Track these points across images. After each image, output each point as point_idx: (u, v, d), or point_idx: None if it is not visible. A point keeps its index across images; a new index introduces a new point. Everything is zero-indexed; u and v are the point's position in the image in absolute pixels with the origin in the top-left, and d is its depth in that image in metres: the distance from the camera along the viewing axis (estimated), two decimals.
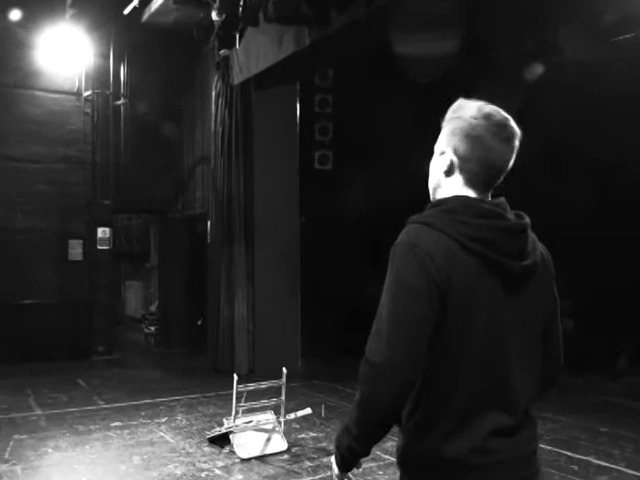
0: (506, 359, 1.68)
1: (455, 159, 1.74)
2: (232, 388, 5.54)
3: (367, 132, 9.76)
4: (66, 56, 10.08)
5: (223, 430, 5.72)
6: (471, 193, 1.74)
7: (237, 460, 5.46)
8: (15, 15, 9.59)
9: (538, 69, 7.71)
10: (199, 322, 10.94)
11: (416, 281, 1.59)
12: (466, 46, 7.52)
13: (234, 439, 5.63)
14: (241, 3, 7.47)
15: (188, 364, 10.23)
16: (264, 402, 5.84)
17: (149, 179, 10.93)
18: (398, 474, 1.78)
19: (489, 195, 1.78)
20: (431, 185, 1.83)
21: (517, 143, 1.73)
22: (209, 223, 10.07)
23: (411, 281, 1.60)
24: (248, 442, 5.65)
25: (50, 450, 5.73)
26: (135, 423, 6.63)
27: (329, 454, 5.33)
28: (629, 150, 7.66)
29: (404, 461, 1.73)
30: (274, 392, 5.98)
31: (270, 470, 5.28)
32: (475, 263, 1.64)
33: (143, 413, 7.02)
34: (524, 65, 7.80)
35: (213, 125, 9.73)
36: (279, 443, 5.75)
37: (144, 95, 10.84)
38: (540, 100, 7.69)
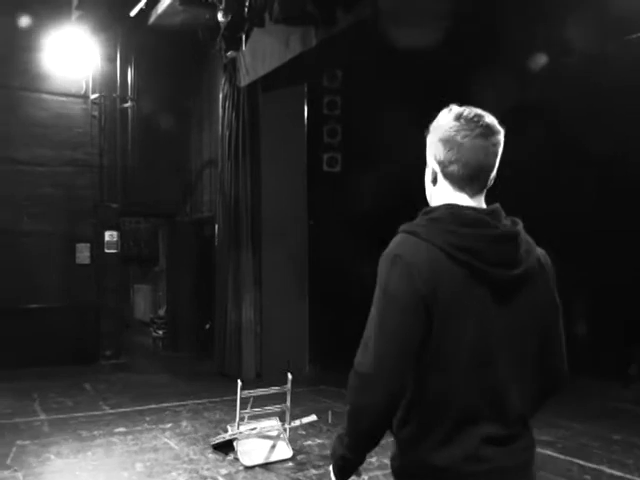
0: (497, 369, 1.66)
1: (437, 166, 1.75)
2: (244, 391, 5.46)
3: (376, 134, 9.65)
4: (73, 59, 10.05)
5: (227, 437, 5.62)
6: (462, 198, 1.72)
7: (241, 468, 5.37)
8: (21, 18, 9.55)
9: (543, 60, 7.62)
10: (207, 326, 10.86)
11: (401, 292, 1.60)
12: (476, 43, 7.45)
13: (238, 446, 5.53)
14: (246, 4, 7.39)
15: (195, 368, 10.15)
16: (268, 409, 5.72)
17: (157, 182, 10.86)
18: None
19: (482, 198, 1.75)
20: (427, 196, 1.85)
21: (498, 139, 1.70)
22: (217, 226, 10.00)
23: (396, 292, 1.60)
24: (252, 449, 5.55)
25: (52, 456, 5.65)
26: (139, 429, 6.55)
27: None
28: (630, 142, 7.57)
29: (397, 470, 1.73)
30: (280, 398, 5.87)
31: (274, 478, 5.19)
32: (461, 273, 1.62)
33: (148, 418, 6.93)
34: (530, 57, 7.72)
35: (220, 127, 9.67)
36: (284, 450, 5.64)
37: (151, 98, 10.79)
38: (544, 92, 7.63)
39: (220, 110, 9.65)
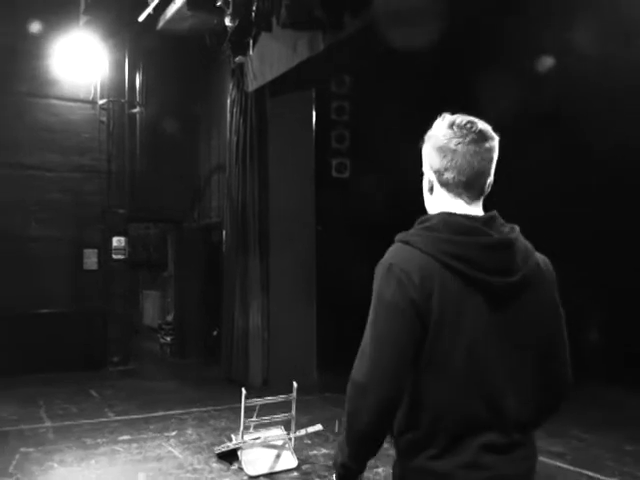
0: (494, 377, 1.66)
1: (432, 175, 1.77)
2: (248, 400, 5.39)
3: (385, 140, 9.58)
4: (81, 64, 10.03)
5: (231, 446, 5.55)
6: (459, 204, 1.74)
7: (245, 477, 5.30)
8: (29, 24, 9.55)
9: (551, 62, 7.56)
10: (215, 332, 10.80)
11: (394, 301, 1.61)
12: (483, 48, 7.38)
13: (242, 455, 5.46)
14: (254, 8, 7.34)
15: (203, 375, 10.09)
16: (273, 417, 5.64)
17: (165, 188, 10.83)
18: None
19: (480, 205, 1.76)
20: (426, 206, 1.88)
21: (492, 144, 1.72)
22: (224, 232, 9.96)
23: (390, 301, 1.62)
24: (257, 459, 5.47)
25: (55, 465, 5.61)
26: (144, 437, 6.49)
27: None
28: None
29: (398, 477, 1.75)
30: (286, 406, 5.78)
31: None
32: (456, 281, 1.63)
33: (152, 426, 6.87)
34: (539, 59, 7.67)
35: (228, 133, 9.63)
36: (289, 460, 5.56)
37: (159, 103, 10.76)
38: (553, 94, 7.57)
39: (228, 115, 9.61)
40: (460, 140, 1.68)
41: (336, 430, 6.53)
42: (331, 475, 5.35)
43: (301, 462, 5.62)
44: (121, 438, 6.41)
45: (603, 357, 8.18)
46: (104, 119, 10.54)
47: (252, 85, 8.88)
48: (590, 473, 5.32)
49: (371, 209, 9.17)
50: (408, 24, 6.07)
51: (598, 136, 7.26)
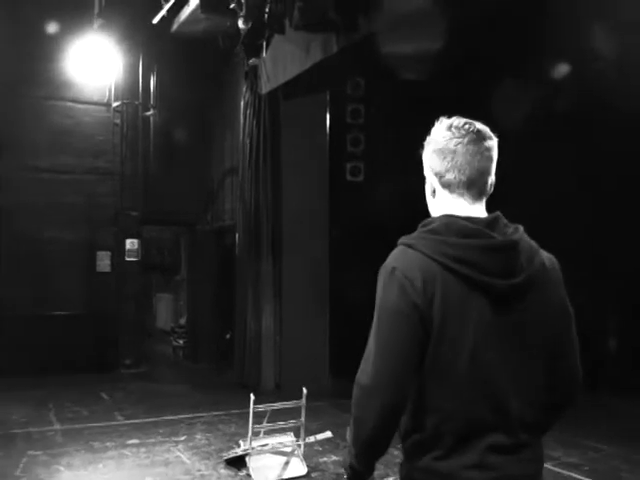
0: (498, 380, 1.65)
1: (434, 178, 1.78)
2: (257, 406, 5.31)
3: (400, 143, 9.47)
4: (96, 67, 10.08)
5: (239, 452, 5.46)
6: (462, 205, 1.74)
7: None
8: (44, 28, 9.58)
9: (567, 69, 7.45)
10: (228, 336, 10.74)
11: (397, 305, 1.62)
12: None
13: (250, 462, 5.37)
14: (266, 10, 7.29)
15: (214, 379, 10.03)
16: (281, 424, 5.54)
17: (178, 190, 10.81)
18: None
19: (483, 205, 1.77)
20: (429, 211, 1.89)
21: (491, 144, 1.73)
22: (237, 235, 9.90)
23: (392, 305, 1.63)
24: (265, 466, 5.38)
25: (62, 468, 5.56)
26: (152, 441, 6.43)
27: None
28: None
29: (404, 477, 1.77)
30: (297, 412, 5.68)
31: None
32: (458, 283, 1.63)
33: (162, 430, 6.81)
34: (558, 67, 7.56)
35: (241, 135, 9.58)
36: (298, 467, 5.47)
37: (173, 105, 10.76)
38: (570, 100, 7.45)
39: (241, 118, 9.57)
40: (459, 140, 1.70)
41: (347, 437, 6.43)
42: (343, 478, 5.26)
43: (311, 469, 5.53)
44: (130, 442, 6.35)
45: (617, 365, 8.03)
46: (118, 122, 10.55)
47: (265, 87, 8.83)
48: None
49: (385, 213, 9.06)
50: (418, 27, 6.00)
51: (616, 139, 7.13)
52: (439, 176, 1.76)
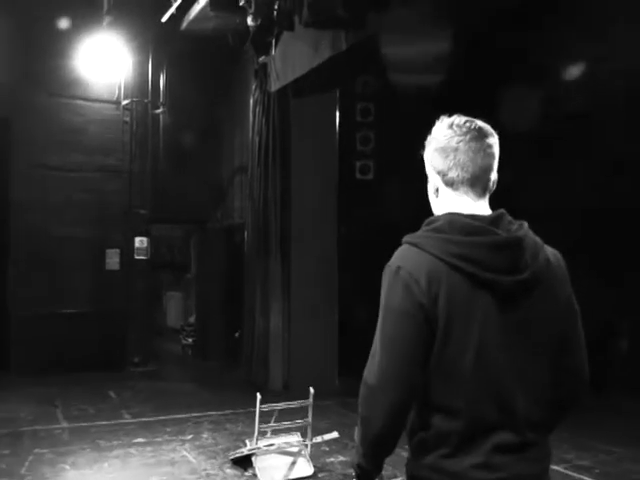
0: (504, 378, 1.65)
1: (437, 177, 1.79)
2: (263, 405, 5.27)
3: (410, 141, 9.40)
4: (105, 65, 10.05)
5: (245, 452, 5.43)
6: (466, 202, 1.75)
7: None
8: (54, 25, 9.58)
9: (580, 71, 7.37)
10: (237, 334, 10.71)
11: (402, 304, 1.62)
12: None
13: (256, 462, 5.33)
14: (275, 7, 7.24)
15: (223, 377, 10.00)
16: (288, 423, 5.50)
17: (187, 188, 10.79)
18: None
19: (486, 202, 1.77)
20: (433, 210, 1.88)
21: (492, 140, 1.74)
22: (246, 233, 9.87)
23: (397, 304, 1.63)
24: (271, 466, 5.34)
25: (67, 467, 5.54)
26: (159, 440, 6.40)
27: None
28: None
29: (410, 475, 1.77)
30: (305, 411, 5.63)
31: None
32: (463, 281, 1.63)
33: (169, 429, 6.78)
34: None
35: (251, 133, 9.54)
36: (304, 467, 5.42)
37: (183, 103, 10.72)
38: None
39: (250, 116, 9.54)
40: (461, 138, 1.71)
41: (355, 437, 6.38)
42: (350, 478, 5.21)
43: (317, 470, 5.48)
44: (136, 441, 6.33)
45: (627, 366, 7.94)
46: (127, 119, 10.53)
47: (275, 85, 8.79)
48: None
49: (395, 211, 9.00)
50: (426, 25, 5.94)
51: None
52: (442, 174, 1.77)
